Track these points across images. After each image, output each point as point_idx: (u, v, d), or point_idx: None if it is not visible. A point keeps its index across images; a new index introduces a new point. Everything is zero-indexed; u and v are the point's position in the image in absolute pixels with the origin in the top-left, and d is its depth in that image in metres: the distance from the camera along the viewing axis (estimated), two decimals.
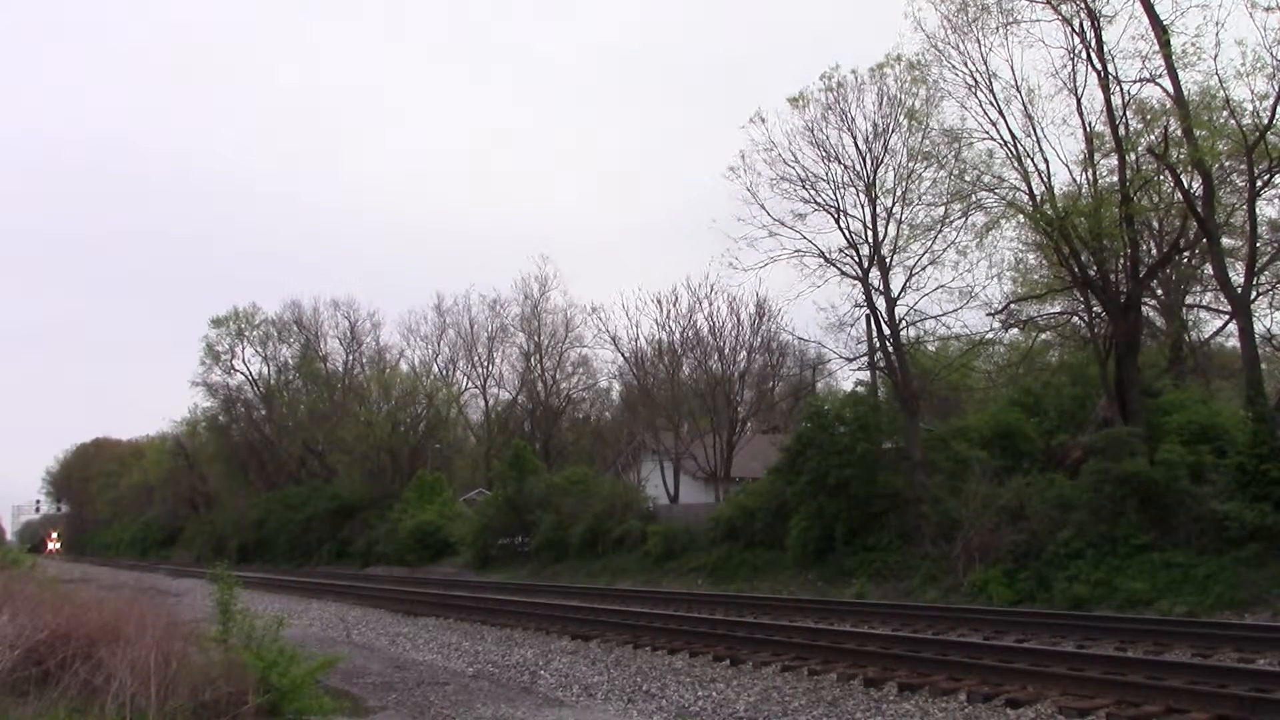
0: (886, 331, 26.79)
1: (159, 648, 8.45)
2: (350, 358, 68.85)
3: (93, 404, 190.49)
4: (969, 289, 26.26)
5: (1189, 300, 31.54)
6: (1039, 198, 23.11)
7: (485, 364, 62.92)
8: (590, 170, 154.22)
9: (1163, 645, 12.68)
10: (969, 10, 23.36)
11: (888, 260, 26.68)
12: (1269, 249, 25.75)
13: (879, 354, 27.66)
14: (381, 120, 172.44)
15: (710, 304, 47.81)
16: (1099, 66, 22.01)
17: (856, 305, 27.90)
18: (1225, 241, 24.40)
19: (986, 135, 23.54)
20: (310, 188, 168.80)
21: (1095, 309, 24.39)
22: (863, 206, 27.01)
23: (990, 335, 28.87)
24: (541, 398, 58.97)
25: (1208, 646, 12.35)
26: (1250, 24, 19.89)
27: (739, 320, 43.90)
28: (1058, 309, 30.15)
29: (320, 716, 9.32)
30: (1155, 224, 27.47)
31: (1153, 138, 22.22)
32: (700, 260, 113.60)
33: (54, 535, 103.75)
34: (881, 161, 26.67)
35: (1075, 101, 22.62)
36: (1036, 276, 30.54)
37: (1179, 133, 20.84)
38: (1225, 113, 20.69)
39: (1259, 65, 19.95)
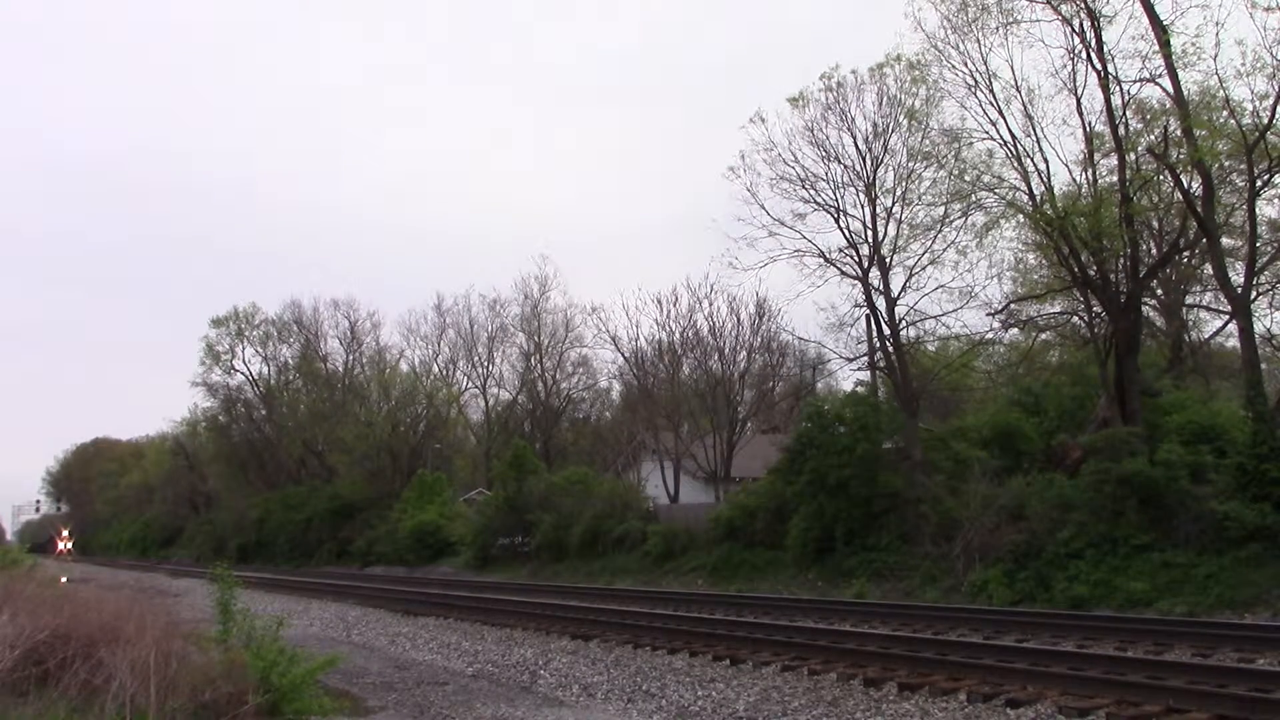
0: (886, 331, 26.80)
1: (159, 648, 8.45)
2: (350, 358, 68.91)
3: (93, 404, 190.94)
4: (969, 289, 26.35)
5: (1189, 300, 31.54)
6: (1039, 198, 23.12)
7: (485, 364, 62.96)
8: (590, 170, 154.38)
9: (1163, 645, 12.67)
10: (969, 10, 23.40)
11: (888, 260, 26.70)
12: (1269, 249, 25.74)
13: (879, 354, 27.67)
14: (381, 120, 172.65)
15: (710, 304, 47.90)
16: (1099, 66, 22.03)
17: (856, 305, 27.97)
18: (1225, 241, 24.41)
19: (986, 135, 23.60)
20: (310, 188, 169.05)
21: (1095, 309, 24.38)
22: (863, 206, 27.09)
23: (990, 335, 28.93)
24: (541, 398, 58.95)
25: (1208, 646, 12.34)
26: (1250, 24, 19.92)
27: (739, 320, 43.99)
28: (1058, 309, 30.16)
29: (320, 716, 9.33)
30: (1155, 224, 27.48)
31: (1153, 138, 22.22)
32: (700, 260, 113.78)
33: (64, 533, 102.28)
34: (881, 161, 26.73)
35: (1075, 101, 22.67)
36: (1036, 276, 30.56)
37: (1179, 133, 20.84)
38: (1225, 113, 20.69)
39: (1259, 65, 19.97)
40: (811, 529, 25.02)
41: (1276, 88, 19.85)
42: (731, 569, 27.61)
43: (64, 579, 27.82)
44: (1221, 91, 20.53)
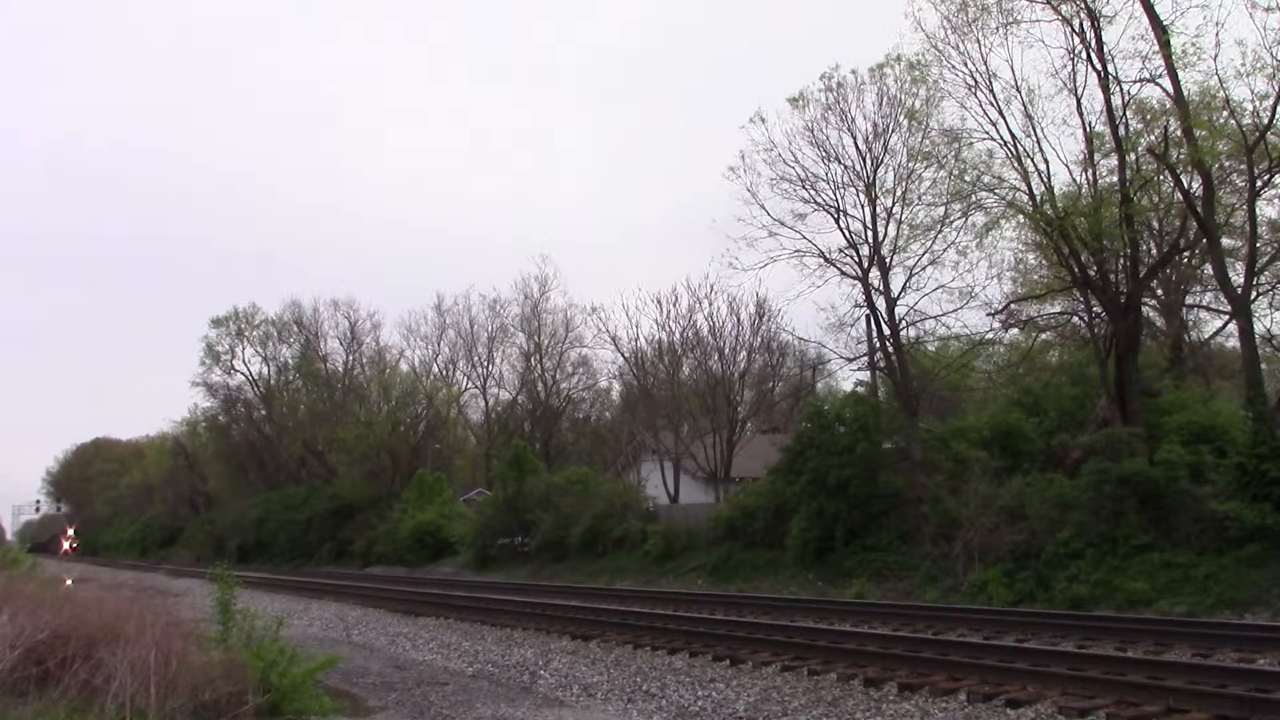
0: (886, 331, 26.78)
1: (159, 648, 8.45)
2: (350, 358, 68.89)
3: (93, 404, 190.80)
4: (969, 289, 26.28)
5: (1189, 300, 31.50)
6: (1039, 198, 23.10)
7: (485, 364, 63.01)
8: (590, 170, 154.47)
9: (1163, 645, 12.66)
10: (969, 10, 23.37)
11: (888, 260, 26.68)
12: (1269, 249, 25.71)
13: (879, 354, 27.66)
14: (381, 120, 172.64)
15: (710, 304, 47.83)
16: (1099, 66, 22.02)
17: (856, 305, 27.92)
18: (1225, 241, 24.37)
19: (986, 135, 23.55)
20: (310, 188, 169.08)
21: (1095, 309, 24.37)
22: (863, 206, 27.06)
23: (990, 335, 28.87)
24: (541, 398, 58.95)
25: (1208, 646, 12.34)
26: (1250, 24, 19.94)
27: (739, 320, 43.94)
28: (1058, 309, 30.12)
29: (320, 716, 9.33)
30: (1155, 224, 27.44)
31: (1153, 138, 22.21)
32: (700, 260, 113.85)
33: (69, 532, 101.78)
34: (881, 161, 26.70)
35: (1075, 101, 22.64)
36: (1036, 276, 30.55)
37: (1179, 133, 20.83)
38: (1225, 113, 20.68)
39: (1259, 65, 19.97)
40: (811, 529, 25.01)
41: (1276, 88, 19.86)
42: (731, 569, 27.60)
43: (68, 581, 27.74)
44: (1221, 91, 20.54)
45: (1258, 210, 22.43)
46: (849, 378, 66.60)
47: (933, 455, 24.96)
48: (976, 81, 23.48)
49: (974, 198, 24.32)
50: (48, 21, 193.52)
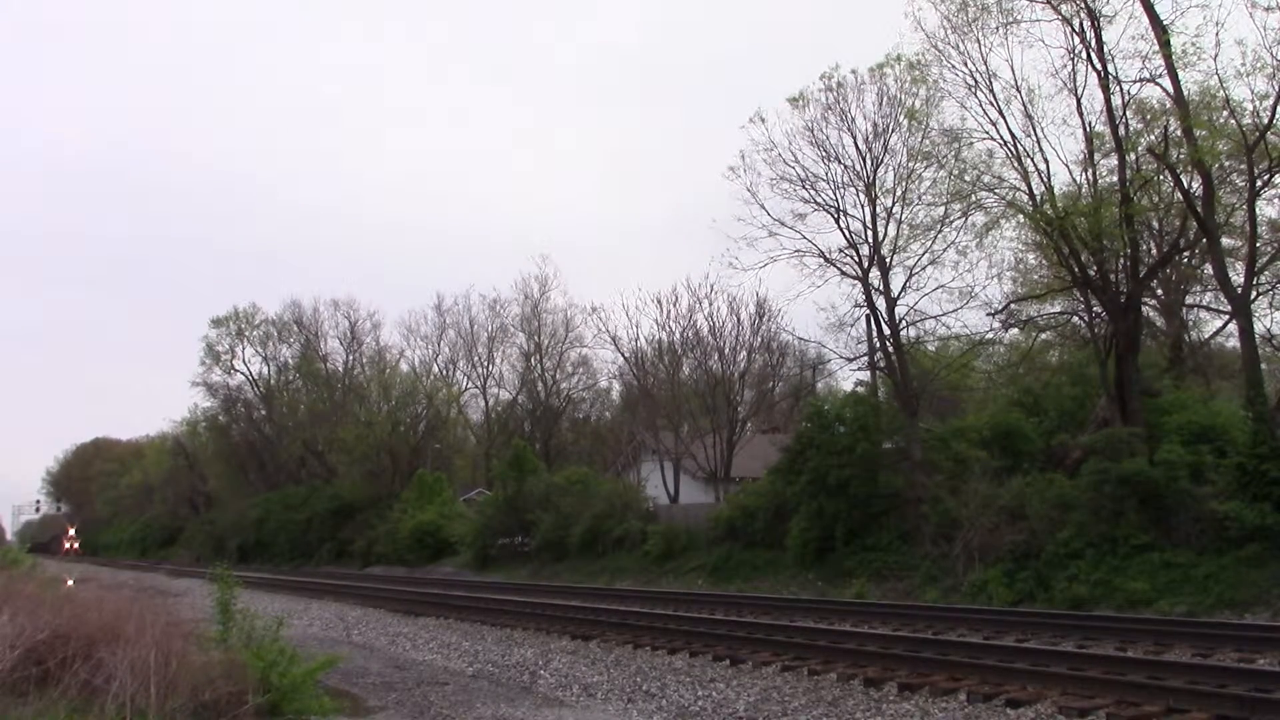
0: (886, 331, 26.78)
1: (159, 648, 8.45)
2: (350, 358, 68.88)
3: (93, 404, 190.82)
4: (969, 289, 26.27)
5: (1189, 300, 31.50)
6: (1039, 198, 23.10)
7: (485, 364, 63.02)
8: (590, 170, 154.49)
9: (1163, 645, 12.66)
10: (969, 10, 23.35)
11: (888, 260, 26.68)
12: (1269, 249, 25.71)
13: (879, 354, 27.66)
14: (381, 120, 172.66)
15: (710, 304, 47.80)
16: (1099, 66, 22.02)
17: (856, 305, 27.92)
18: (1225, 241, 24.36)
19: (986, 135, 23.54)
20: (310, 188, 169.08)
21: (1095, 309, 24.37)
22: (863, 206, 27.05)
23: (990, 335, 28.86)
24: (541, 398, 58.95)
25: (1208, 646, 12.34)
26: (1250, 24, 19.92)
27: (739, 320, 43.94)
28: (1058, 309, 30.14)
29: (320, 716, 9.33)
30: (1155, 224, 27.44)
31: (1153, 138, 22.21)
32: (700, 260, 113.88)
33: (70, 533, 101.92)
34: (881, 161, 26.70)
35: (1075, 101, 22.63)
36: (1036, 276, 30.55)
37: (1179, 133, 20.83)
38: (1225, 113, 20.68)
39: (1259, 65, 19.96)
40: (811, 529, 25.01)
41: (1276, 88, 19.86)
42: (731, 569, 27.60)
43: (69, 581, 27.70)
44: (1221, 91, 20.53)
45: (1258, 210, 22.44)
46: (849, 378, 66.57)
47: (933, 455, 24.96)
48: (976, 81, 23.50)
49: (974, 198, 24.32)
50: (48, 21, 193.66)
